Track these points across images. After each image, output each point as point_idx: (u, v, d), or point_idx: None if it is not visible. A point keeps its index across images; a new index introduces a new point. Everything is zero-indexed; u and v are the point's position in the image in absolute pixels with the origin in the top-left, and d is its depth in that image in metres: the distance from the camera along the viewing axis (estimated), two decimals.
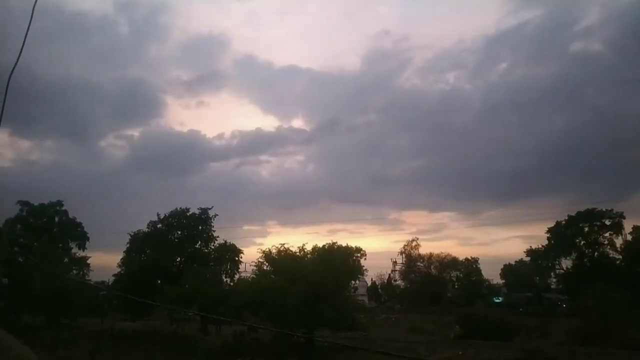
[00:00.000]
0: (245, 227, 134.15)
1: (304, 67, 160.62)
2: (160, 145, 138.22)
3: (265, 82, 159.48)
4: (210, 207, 41.33)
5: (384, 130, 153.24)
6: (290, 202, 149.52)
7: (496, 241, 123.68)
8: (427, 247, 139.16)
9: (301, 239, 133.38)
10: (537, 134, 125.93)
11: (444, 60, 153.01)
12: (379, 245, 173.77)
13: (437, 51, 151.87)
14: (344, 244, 36.24)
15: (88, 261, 42.73)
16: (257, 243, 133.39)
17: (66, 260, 41.60)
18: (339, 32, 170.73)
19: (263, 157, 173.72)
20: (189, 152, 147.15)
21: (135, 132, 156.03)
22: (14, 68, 6.20)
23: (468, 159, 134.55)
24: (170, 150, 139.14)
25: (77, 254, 43.82)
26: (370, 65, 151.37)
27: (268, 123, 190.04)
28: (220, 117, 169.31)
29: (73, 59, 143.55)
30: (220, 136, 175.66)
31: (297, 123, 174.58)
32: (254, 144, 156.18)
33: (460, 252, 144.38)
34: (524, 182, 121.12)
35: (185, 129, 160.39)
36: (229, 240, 41.38)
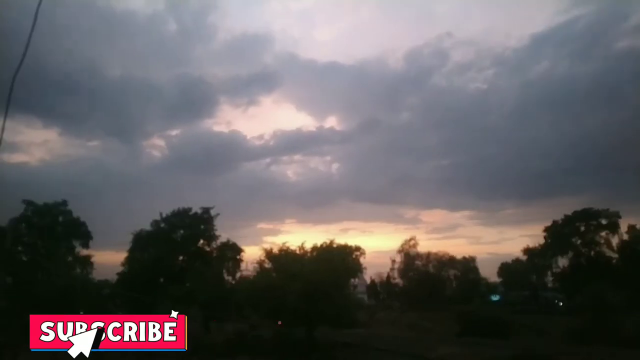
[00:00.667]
0: (259, 226, 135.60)
1: (346, 65, 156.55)
2: (199, 146, 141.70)
3: (306, 81, 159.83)
4: (212, 206, 41.85)
5: (415, 129, 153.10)
6: (314, 201, 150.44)
7: (505, 240, 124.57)
8: (440, 246, 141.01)
9: (313, 237, 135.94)
10: (569, 133, 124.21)
11: (486, 58, 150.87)
12: (393, 243, 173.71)
13: (480, 49, 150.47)
14: (343, 243, 36.62)
15: (92, 259, 43.25)
16: (268, 242, 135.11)
17: (70, 259, 42.02)
18: (388, 30, 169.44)
19: (297, 157, 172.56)
20: (225, 153, 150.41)
21: (177, 132, 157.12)
22: (18, 68, 6.38)
23: (496, 158, 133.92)
24: (207, 151, 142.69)
25: (80, 253, 44.17)
26: (412, 62, 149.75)
27: (307, 122, 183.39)
28: (264, 116, 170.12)
29: (124, 57, 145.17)
30: (260, 136, 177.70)
31: (332, 121, 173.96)
32: (291, 144, 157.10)
33: (471, 250, 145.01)
34: (550, 181, 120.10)
35: (227, 129, 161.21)
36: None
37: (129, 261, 39.72)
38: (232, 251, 41.41)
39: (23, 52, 6.60)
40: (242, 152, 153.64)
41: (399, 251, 74.20)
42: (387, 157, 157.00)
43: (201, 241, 41.27)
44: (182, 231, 40.92)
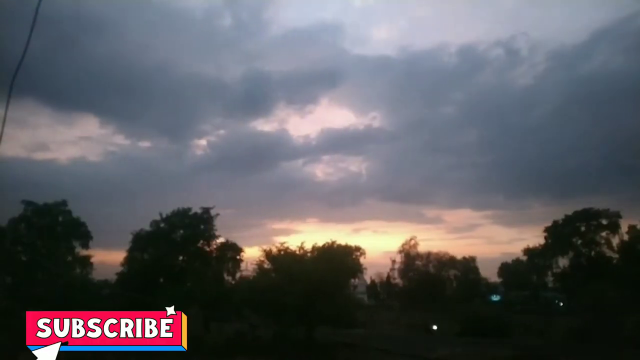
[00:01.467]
0: (278, 225, 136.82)
1: (397, 60, 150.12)
2: (244, 145, 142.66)
3: (359, 77, 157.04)
4: (212, 206, 41.86)
5: (455, 126, 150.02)
6: (339, 200, 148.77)
7: (522, 240, 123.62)
8: (456, 246, 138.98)
9: (329, 236, 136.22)
10: (610, 130, 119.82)
11: (540, 53, 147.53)
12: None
13: (536, 45, 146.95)
14: (344, 243, 36.58)
15: (92, 260, 43.23)
16: (281, 241, 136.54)
17: (70, 259, 42.03)
18: (445, 24, 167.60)
19: (336, 156, 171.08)
20: (267, 152, 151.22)
21: (224, 131, 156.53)
22: (18, 68, 6.33)
23: (532, 156, 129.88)
24: (250, 150, 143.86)
25: (79, 253, 44.12)
26: (464, 57, 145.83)
27: (353, 120, 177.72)
28: (316, 114, 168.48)
29: (181, 54, 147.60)
30: (307, 135, 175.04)
31: (376, 118, 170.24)
32: (334, 143, 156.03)
33: (487, 250, 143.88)
34: (585, 180, 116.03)
35: (277, 128, 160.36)
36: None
37: (128, 261, 39.76)
38: (232, 251, 41.43)
39: (23, 52, 6.55)
40: (285, 152, 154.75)
41: (399, 251, 74.30)
42: (422, 154, 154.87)
43: (201, 241, 41.26)
44: (181, 231, 40.93)
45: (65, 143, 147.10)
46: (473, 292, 70.57)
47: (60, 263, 39.99)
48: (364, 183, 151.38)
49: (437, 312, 54.94)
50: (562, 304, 58.65)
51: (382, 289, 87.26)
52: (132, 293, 36.18)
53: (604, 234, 57.67)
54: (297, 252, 34.21)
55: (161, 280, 38.56)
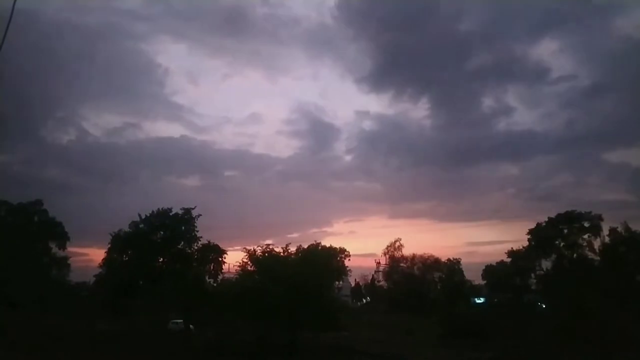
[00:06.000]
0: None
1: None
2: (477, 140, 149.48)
3: None
4: (193, 207, 40.99)
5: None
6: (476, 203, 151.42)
7: None
8: None
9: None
10: None
11: None
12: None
13: None
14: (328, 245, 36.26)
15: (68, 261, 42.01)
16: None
17: (46, 260, 40.80)
18: None
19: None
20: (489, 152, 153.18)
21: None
22: None
23: None
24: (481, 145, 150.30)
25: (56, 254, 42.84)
26: None
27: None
28: None
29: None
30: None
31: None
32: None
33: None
34: None
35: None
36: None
37: (107, 263, 38.70)
38: (214, 253, 40.60)
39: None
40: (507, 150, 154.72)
41: (384, 253, 74.27)
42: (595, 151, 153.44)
43: (182, 242, 40.32)
44: (162, 232, 39.94)
45: None
46: (457, 294, 70.76)
47: (35, 264, 38.82)
48: (514, 184, 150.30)
49: (421, 314, 54.92)
50: (544, 306, 59.03)
51: (366, 291, 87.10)
52: (111, 295, 35.38)
53: (586, 236, 58.20)
54: (282, 254, 33.72)
55: (140, 282, 37.69)
